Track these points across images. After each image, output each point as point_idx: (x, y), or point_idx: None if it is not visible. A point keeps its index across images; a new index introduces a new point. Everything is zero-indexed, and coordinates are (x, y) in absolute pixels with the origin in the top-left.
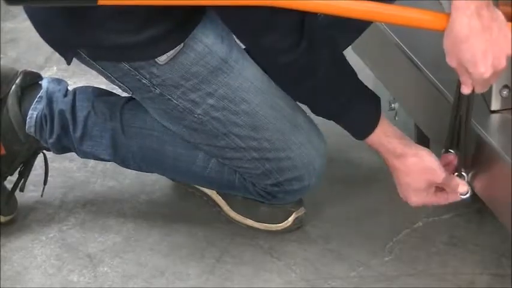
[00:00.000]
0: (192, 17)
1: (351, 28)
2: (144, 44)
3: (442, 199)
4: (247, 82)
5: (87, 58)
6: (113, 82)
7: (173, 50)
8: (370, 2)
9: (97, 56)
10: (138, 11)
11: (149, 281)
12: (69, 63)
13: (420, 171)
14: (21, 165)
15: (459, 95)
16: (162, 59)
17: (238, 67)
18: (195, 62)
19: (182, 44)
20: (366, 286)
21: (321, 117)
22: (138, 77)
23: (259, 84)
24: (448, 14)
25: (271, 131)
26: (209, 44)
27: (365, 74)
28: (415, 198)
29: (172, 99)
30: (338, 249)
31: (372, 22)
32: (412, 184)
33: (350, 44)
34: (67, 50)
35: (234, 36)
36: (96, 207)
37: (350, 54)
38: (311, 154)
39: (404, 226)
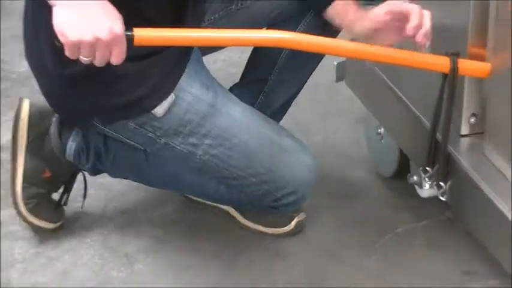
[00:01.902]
0: (176, 70)
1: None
2: (140, 99)
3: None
4: (235, 120)
5: (101, 126)
6: (126, 143)
7: (166, 103)
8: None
9: (107, 120)
10: (130, 75)
11: (176, 276)
12: (86, 133)
13: None
14: (64, 184)
15: (435, 123)
16: (159, 112)
17: (226, 109)
18: (187, 111)
19: (174, 96)
20: (356, 281)
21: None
22: (144, 133)
23: (246, 120)
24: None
25: (263, 157)
26: (197, 93)
27: (357, 105)
28: None
29: (176, 146)
30: (334, 250)
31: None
32: None
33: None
34: (83, 121)
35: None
36: (132, 215)
37: (344, 88)
38: (300, 170)
39: (388, 231)
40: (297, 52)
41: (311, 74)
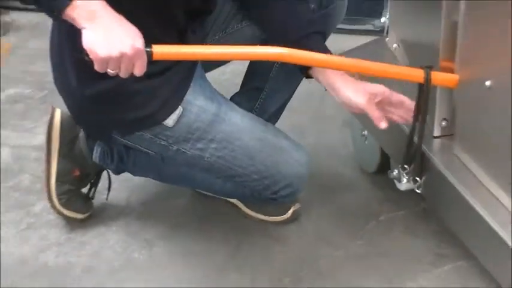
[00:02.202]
0: (182, 86)
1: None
2: (153, 113)
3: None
4: (237, 126)
5: (120, 139)
6: (144, 151)
7: (175, 115)
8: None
9: (125, 132)
10: (142, 92)
11: (188, 258)
12: (108, 142)
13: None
14: (91, 180)
15: (413, 126)
16: (170, 123)
17: (228, 117)
18: (194, 120)
19: (182, 109)
20: (345, 262)
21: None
22: (158, 142)
23: (246, 125)
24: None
25: (263, 156)
26: (202, 105)
27: (344, 111)
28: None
29: (186, 151)
30: (325, 236)
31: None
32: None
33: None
34: (105, 135)
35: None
36: (151, 206)
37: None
38: (295, 166)
39: (372, 219)
40: (287, 64)
41: (299, 82)
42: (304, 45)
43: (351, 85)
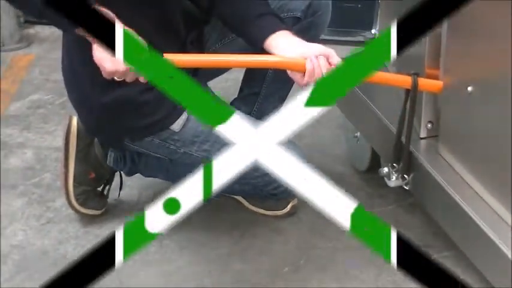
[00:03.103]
0: None
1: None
2: (160, 119)
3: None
4: None
5: (131, 145)
6: (153, 156)
7: (181, 120)
8: None
9: (135, 138)
10: (151, 102)
11: (196, 249)
12: (120, 149)
13: None
14: (106, 180)
15: (400, 128)
16: (177, 127)
17: None
18: (199, 124)
19: (187, 114)
20: (338, 252)
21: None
22: (167, 145)
23: None
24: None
25: None
26: None
27: (339, 114)
28: None
29: (193, 153)
30: (319, 228)
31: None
32: None
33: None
34: (116, 141)
35: None
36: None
37: None
38: None
39: None
40: (279, 71)
41: (292, 86)
42: (260, 24)
43: (294, 46)
